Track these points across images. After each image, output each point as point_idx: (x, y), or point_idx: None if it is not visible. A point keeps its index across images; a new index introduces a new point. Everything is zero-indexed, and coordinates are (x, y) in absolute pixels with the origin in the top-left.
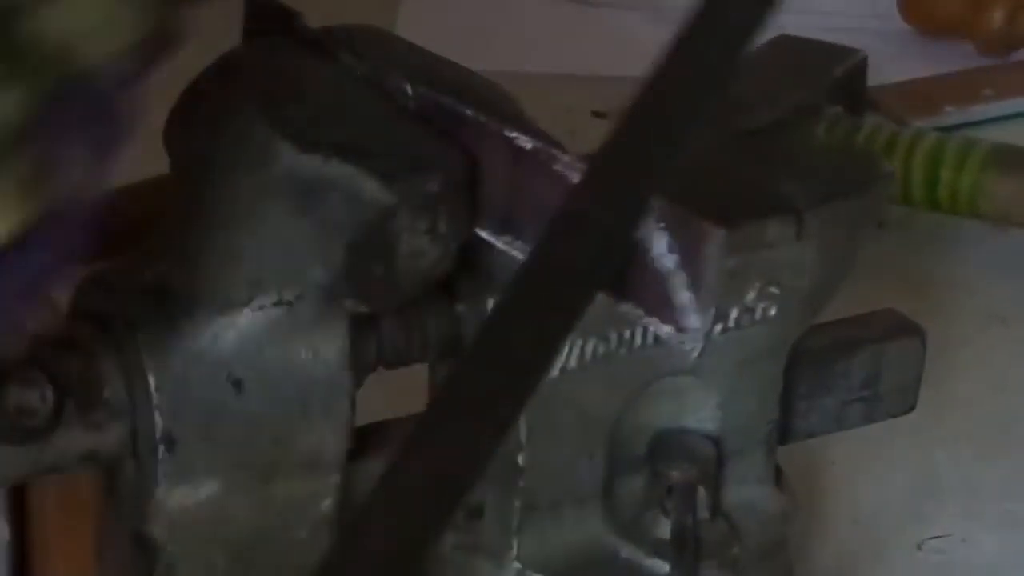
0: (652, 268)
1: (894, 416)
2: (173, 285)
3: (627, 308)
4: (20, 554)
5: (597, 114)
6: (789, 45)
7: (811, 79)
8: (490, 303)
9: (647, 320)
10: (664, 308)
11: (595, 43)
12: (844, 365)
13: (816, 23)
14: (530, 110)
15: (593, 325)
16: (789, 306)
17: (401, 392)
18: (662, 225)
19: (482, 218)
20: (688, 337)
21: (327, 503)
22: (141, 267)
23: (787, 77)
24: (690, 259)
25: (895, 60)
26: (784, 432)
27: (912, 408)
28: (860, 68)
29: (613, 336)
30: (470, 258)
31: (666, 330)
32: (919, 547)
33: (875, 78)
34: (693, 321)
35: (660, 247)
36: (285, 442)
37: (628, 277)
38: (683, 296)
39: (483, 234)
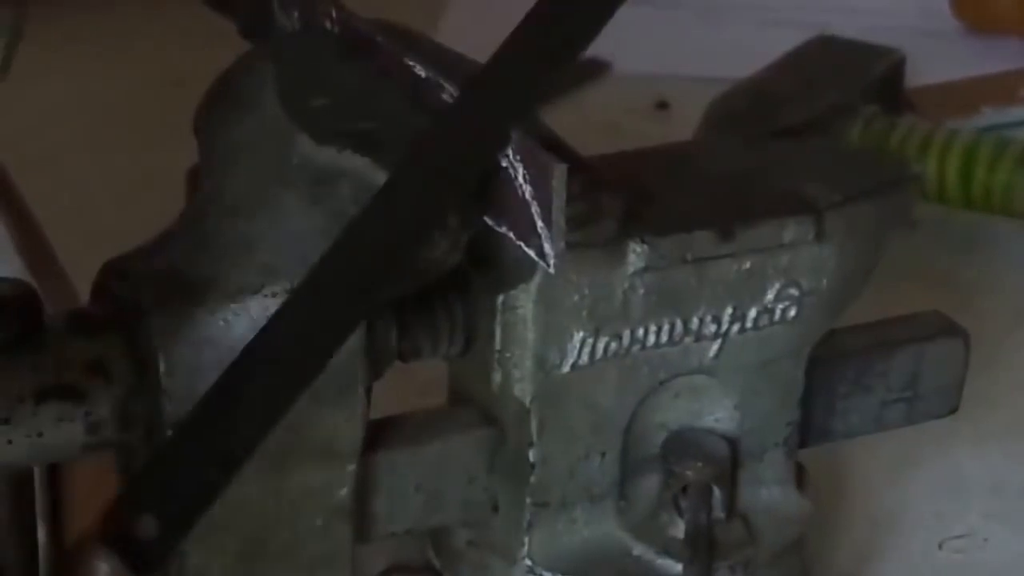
0: (516, 194)
1: (936, 417)
2: (186, 271)
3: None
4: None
5: (661, 105)
6: (828, 44)
7: (849, 78)
8: (503, 298)
9: (513, 240)
10: (526, 232)
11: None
12: (883, 365)
13: (865, 22)
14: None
15: (605, 323)
16: (809, 307)
17: (419, 387)
18: (518, 157)
19: (495, 212)
20: (544, 261)
21: (342, 492)
22: (155, 253)
23: (825, 76)
24: (539, 190)
25: (942, 59)
26: (822, 432)
27: (955, 410)
28: (898, 68)
29: (626, 333)
30: (485, 252)
31: (529, 251)
32: (940, 546)
33: (920, 78)
34: (547, 248)
35: (519, 177)
36: (297, 431)
37: (497, 199)
38: (539, 223)
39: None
